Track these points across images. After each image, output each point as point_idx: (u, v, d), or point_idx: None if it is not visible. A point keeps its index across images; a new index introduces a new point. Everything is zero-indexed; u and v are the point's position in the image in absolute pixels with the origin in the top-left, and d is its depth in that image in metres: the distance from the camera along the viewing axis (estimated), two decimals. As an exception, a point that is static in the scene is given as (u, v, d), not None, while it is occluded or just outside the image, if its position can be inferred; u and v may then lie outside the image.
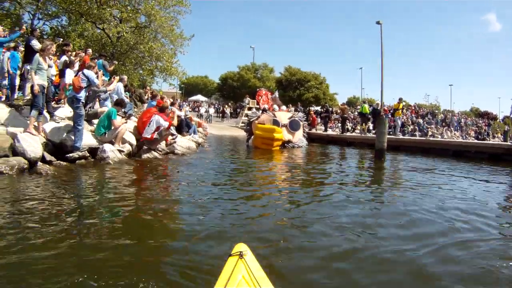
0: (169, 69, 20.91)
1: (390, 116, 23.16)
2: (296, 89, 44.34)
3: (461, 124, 35.95)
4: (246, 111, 34.54)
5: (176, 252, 3.53)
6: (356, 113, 35.19)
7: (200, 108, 38.61)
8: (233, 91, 54.23)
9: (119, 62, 19.29)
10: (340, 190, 6.90)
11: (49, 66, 8.91)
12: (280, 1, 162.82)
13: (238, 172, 9.14)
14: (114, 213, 4.80)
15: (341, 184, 7.57)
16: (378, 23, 34.28)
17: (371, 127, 25.15)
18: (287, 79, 45.78)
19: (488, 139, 25.70)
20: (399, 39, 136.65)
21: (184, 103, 40.03)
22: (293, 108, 25.65)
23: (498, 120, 42.42)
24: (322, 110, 31.56)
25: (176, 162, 9.93)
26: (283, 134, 16.22)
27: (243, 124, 32.12)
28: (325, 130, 26.50)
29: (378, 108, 22.19)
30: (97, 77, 9.26)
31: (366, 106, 23.68)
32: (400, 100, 20.83)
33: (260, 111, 19.78)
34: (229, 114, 39.91)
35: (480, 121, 40.43)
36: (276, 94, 32.41)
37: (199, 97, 54.53)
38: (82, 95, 8.35)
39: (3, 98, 10.12)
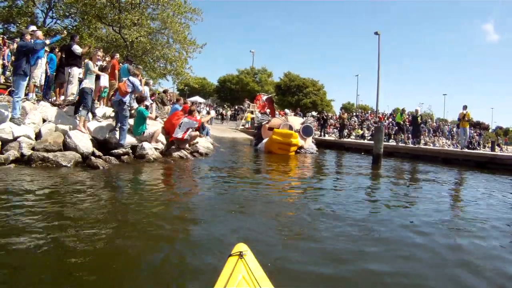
0: (182, 74, 22.09)
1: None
2: (294, 95, 45.55)
3: (453, 133, 37.29)
4: (246, 114, 35.63)
5: (176, 251, 3.66)
6: (352, 120, 36.44)
7: (200, 110, 39.45)
8: (230, 94, 55.31)
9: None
10: (342, 192, 7.40)
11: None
12: (279, 4, 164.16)
13: (256, 175, 9.97)
14: (141, 204, 5.28)
15: (344, 185, 8.37)
16: (376, 33, 35.67)
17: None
18: (286, 85, 46.95)
19: (478, 148, 27.00)
20: (395, 46, 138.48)
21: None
22: (293, 113, 26.44)
23: (489, 131, 43.63)
24: (318, 116, 32.37)
25: (203, 161, 11.23)
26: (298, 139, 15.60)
27: (242, 127, 33.27)
28: (323, 135, 27.47)
29: (417, 116, 19.81)
30: (141, 83, 10.43)
31: (404, 115, 22.09)
32: (465, 108, 16.96)
33: (265, 115, 20.68)
34: (229, 117, 41.02)
35: (472, 131, 41.66)
36: (263, 97, 33.66)
37: (197, 99, 55.13)
38: (127, 99, 9.49)
39: (32, 96, 10.98)
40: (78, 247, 3.54)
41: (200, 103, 49.83)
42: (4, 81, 14.88)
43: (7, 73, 15.55)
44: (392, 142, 24.76)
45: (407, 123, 22.10)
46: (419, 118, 19.92)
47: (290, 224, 4.79)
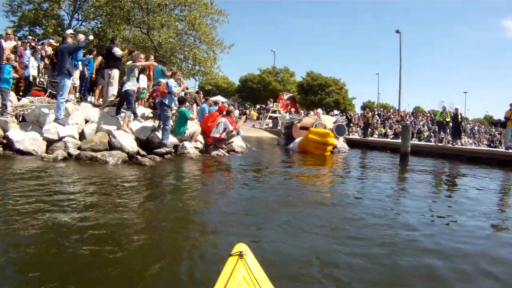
0: (211, 74, 22.33)
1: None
2: (317, 94, 45.51)
3: (474, 132, 36.82)
4: (270, 114, 35.85)
5: (176, 251, 3.56)
6: (374, 119, 36.21)
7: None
8: (252, 93, 55.34)
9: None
10: (359, 191, 7.17)
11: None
12: (301, 3, 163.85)
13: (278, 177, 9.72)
14: (178, 201, 5.39)
15: (364, 183, 8.42)
16: (397, 31, 35.43)
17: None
18: (309, 84, 46.87)
19: (500, 147, 26.49)
20: (415, 44, 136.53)
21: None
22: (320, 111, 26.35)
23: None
24: (342, 115, 32.24)
25: (239, 158, 11.39)
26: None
27: (266, 126, 33.46)
28: (347, 134, 26.94)
29: (457, 115, 18.52)
30: (179, 84, 10.66)
31: (445, 113, 20.62)
32: None
33: (295, 114, 20.60)
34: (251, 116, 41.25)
35: (493, 129, 41.06)
36: (285, 97, 33.69)
37: (219, 98, 55.25)
38: (168, 100, 9.72)
39: (72, 97, 11.24)
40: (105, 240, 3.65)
41: (223, 102, 49.99)
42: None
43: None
44: (415, 141, 24.61)
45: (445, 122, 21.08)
46: (459, 117, 18.96)
47: (323, 221, 4.71)
